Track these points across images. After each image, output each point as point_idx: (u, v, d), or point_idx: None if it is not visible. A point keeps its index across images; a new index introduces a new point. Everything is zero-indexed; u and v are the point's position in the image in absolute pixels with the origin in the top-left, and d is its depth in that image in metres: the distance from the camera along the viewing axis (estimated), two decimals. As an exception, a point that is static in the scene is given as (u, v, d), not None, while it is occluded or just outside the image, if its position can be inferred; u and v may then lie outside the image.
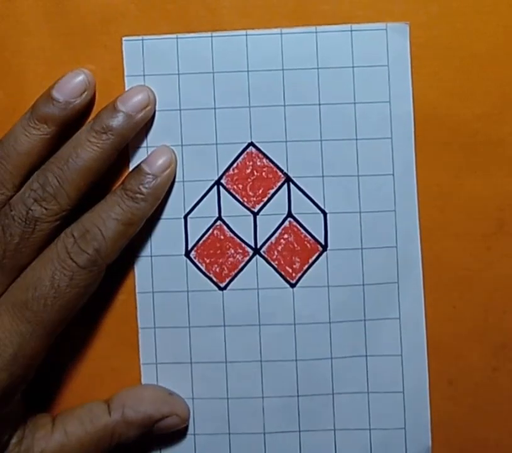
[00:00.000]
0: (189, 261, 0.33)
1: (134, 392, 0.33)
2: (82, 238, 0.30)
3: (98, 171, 0.31)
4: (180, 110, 0.33)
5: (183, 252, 0.33)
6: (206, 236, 0.33)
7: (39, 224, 0.30)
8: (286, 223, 0.33)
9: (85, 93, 0.32)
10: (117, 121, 0.31)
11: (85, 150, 0.31)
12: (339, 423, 0.33)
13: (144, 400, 0.32)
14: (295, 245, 0.33)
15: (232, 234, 0.33)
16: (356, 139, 0.32)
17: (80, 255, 0.30)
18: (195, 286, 0.33)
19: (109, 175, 0.33)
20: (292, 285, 0.33)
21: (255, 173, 0.33)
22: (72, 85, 0.32)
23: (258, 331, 0.33)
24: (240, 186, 0.33)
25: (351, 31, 0.32)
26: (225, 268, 0.33)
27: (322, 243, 0.33)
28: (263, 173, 0.33)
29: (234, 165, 0.33)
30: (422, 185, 0.33)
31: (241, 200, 0.33)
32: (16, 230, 0.30)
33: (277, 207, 0.33)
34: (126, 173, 0.33)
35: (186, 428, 0.33)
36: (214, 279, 0.33)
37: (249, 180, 0.33)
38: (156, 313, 0.33)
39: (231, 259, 0.33)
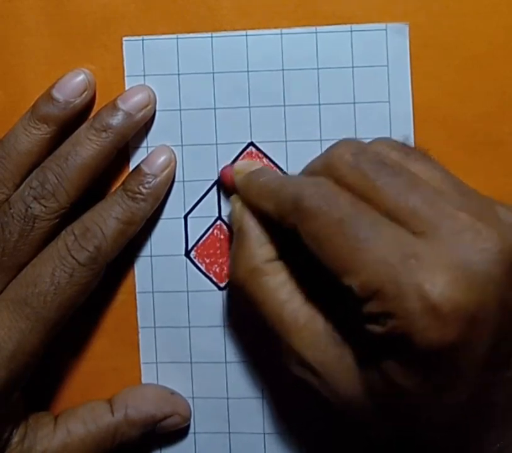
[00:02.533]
0: (188, 261, 0.33)
1: (136, 392, 0.33)
2: (83, 236, 0.30)
3: (97, 169, 0.31)
4: (180, 110, 0.33)
5: (183, 252, 0.33)
6: (206, 236, 0.33)
7: (38, 222, 0.30)
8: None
9: (85, 93, 0.32)
10: (117, 119, 0.31)
11: (85, 147, 0.31)
12: (342, 424, 0.33)
13: (146, 400, 0.32)
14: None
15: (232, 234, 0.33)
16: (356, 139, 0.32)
17: (81, 252, 0.30)
18: (195, 286, 0.33)
19: (109, 175, 0.33)
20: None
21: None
22: (72, 85, 0.32)
23: (258, 331, 0.33)
24: (240, 186, 0.33)
25: (351, 31, 0.32)
26: (225, 268, 0.33)
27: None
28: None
29: (235, 164, 0.33)
30: (422, 185, 0.33)
31: (241, 200, 0.33)
32: (15, 228, 0.30)
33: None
34: (126, 173, 0.33)
35: (186, 427, 0.33)
36: (214, 279, 0.33)
37: (249, 179, 0.33)
38: (156, 312, 0.33)
39: (231, 259, 0.33)
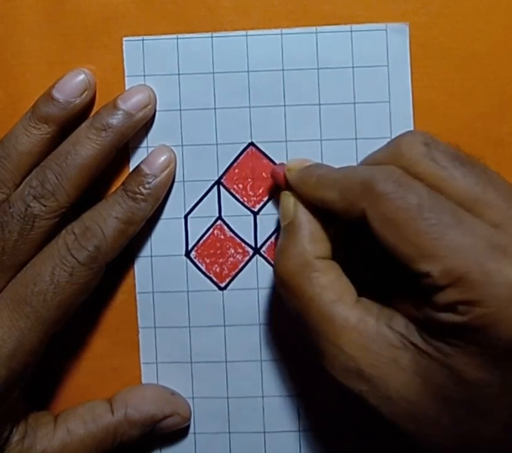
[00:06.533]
0: (189, 261, 0.33)
1: (136, 392, 0.33)
2: (83, 235, 0.30)
3: (96, 168, 0.31)
4: (180, 110, 0.33)
5: (184, 252, 0.33)
6: (206, 236, 0.33)
7: (37, 221, 0.30)
8: (286, 223, 0.33)
9: (86, 93, 0.32)
10: (117, 118, 0.31)
11: (84, 147, 0.31)
12: (341, 423, 0.33)
13: (146, 400, 0.32)
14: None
15: (232, 234, 0.33)
16: (356, 139, 0.32)
17: (81, 251, 0.30)
18: (195, 286, 0.33)
19: (109, 175, 0.33)
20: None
21: (255, 173, 0.33)
22: (72, 85, 0.32)
23: (258, 330, 0.33)
24: (240, 186, 0.33)
25: (351, 31, 0.32)
26: (225, 268, 0.33)
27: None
28: (264, 173, 0.33)
29: (235, 165, 0.33)
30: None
31: (241, 200, 0.33)
32: (14, 227, 0.30)
33: (277, 207, 0.33)
34: (126, 173, 0.33)
35: (187, 427, 0.33)
36: (214, 279, 0.33)
37: (249, 180, 0.33)
38: (156, 312, 0.33)
39: (231, 259, 0.33)
